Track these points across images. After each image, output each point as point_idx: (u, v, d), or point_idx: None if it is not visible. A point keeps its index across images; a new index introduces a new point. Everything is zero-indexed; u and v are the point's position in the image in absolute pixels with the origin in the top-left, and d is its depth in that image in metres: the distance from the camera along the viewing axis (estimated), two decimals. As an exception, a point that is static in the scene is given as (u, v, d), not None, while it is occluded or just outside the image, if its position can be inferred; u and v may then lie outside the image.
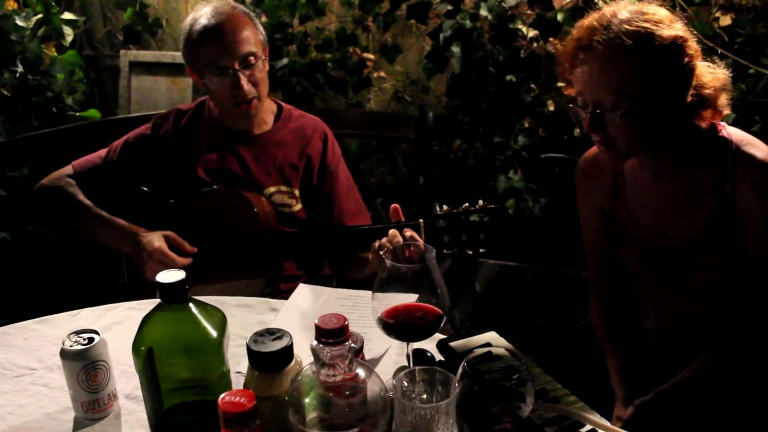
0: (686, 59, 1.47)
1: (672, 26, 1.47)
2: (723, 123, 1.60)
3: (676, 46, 1.46)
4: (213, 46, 1.94)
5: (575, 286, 1.90)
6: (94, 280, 2.16)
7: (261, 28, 2.04)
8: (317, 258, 2.15)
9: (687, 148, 1.58)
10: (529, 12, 2.93)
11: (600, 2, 2.69)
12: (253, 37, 1.97)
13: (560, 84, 1.69)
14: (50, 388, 1.41)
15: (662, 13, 1.49)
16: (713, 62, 1.58)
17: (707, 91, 1.53)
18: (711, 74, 1.54)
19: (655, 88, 1.46)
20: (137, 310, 1.66)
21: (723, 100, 1.56)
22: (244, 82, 1.95)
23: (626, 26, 1.44)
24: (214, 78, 1.96)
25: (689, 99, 1.51)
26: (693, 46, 1.49)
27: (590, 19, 1.52)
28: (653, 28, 1.44)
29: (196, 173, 2.06)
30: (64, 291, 2.21)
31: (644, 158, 1.64)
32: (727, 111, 1.58)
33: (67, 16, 3.13)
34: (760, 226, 1.53)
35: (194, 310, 1.13)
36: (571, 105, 1.59)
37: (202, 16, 1.97)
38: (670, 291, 1.70)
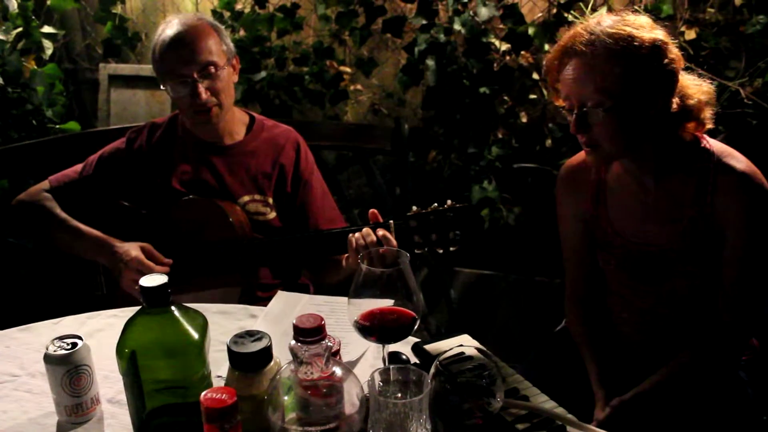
0: (666, 61, 1.53)
1: (653, 31, 1.53)
2: (705, 135, 1.64)
3: (657, 47, 1.52)
4: (173, 55, 1.98)
5: (549, 293, 1.94)
6: (73, 292, 2.17)
7: (228, 40, 2.07)
8: (293, 263, 2.17)
9: (670, 159, 1.63)
10: (501, 26, 2.99)
11: (570, 17, 2.77)
12: (214, 47, 2.00)
13: (549, 96, 1.74)
14: (33, 393, 1.44)
15: (643, 19, 1.56)
16: (698, 74, 1.63)
17: (692, 102, 1.58)
18: (696, 86, 1.60)
19: (637, 88, 1.52)
20: (119, 317, 1.68)
21: (707, 113, 1.61)
22: (202, 90, 1.97)
23: (609, 29, 1.52)
24: (175, 86, 2.00)
25: (674, 108, 1.57)
26: (674, 50, 1.55)
27: (575, 28, 1.59)
28: (634, 31, 1.51)
29: (170, 185, 2.09)
30: (45, 302, 2.22)
31: (629, 166, 1.69)
32: (710, 125, 1.62)
33: (47, 29, 3.14)
34: (739, 235, 1.58)
35: (176, 313, 1.17)
36: (562, 109, 1.64)
37: (168, 27, 2.01)
38: (645, 296, 1.74)
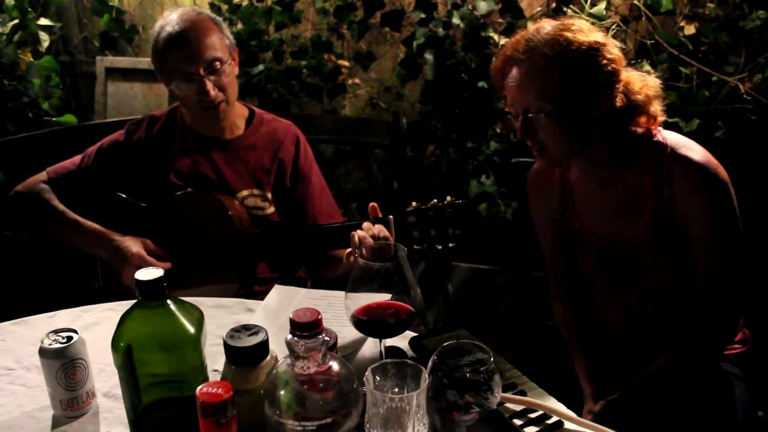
0: (604, 62, 1.55)
1: (590, 34, 1.56)
2: (659, 128, 1.66)
3: (593, 50, 1.54)
4: (178, 53, 1.97)
5: (546, 288, 1.95)
6: (69, 285, 2.16)
7: (228, 32, 2.06)
8: (291, 258, 2.17)
9: (624, 154, 1.65)
10: (500, 20, 2.99)
11: (569, 11, 2.76)
12: (218, 42, 1.99)
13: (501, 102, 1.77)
14: (28, 387, 1.43)
15: (582, 24, 1.59)
16: (647, 72, 1.67)
17: (638, 97, 1.61)
18: (641, 82, 1.63)
19: (577, 91, 1.55)
20: (115, 311, 1.68)
21: (656, 106, 1.64)
22: (210, 87, 1.97)
23: (546, 36, 1.55)
24: (181, 84, 1.99)
25: (620, 104, 1.59)
26: (613, 51, 1.58)
27: (517, 36, 1.62)
28: (570, 35, 1.54)
29: (169, 178, 2.08)
30: (40, 295, 2.21)
31: (583, 165, 1.71)
32: (662, 117, 1.65)
33: (43, 21, 3.14)
34: (702, 226, 1.59)
35: (172, 307, 1.16)
36: (509, 116, 1.67)
37: (168, 23, 2.00)
38: (627, 292, 1.76)
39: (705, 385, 1.68)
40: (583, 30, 1.56)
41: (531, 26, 1.62)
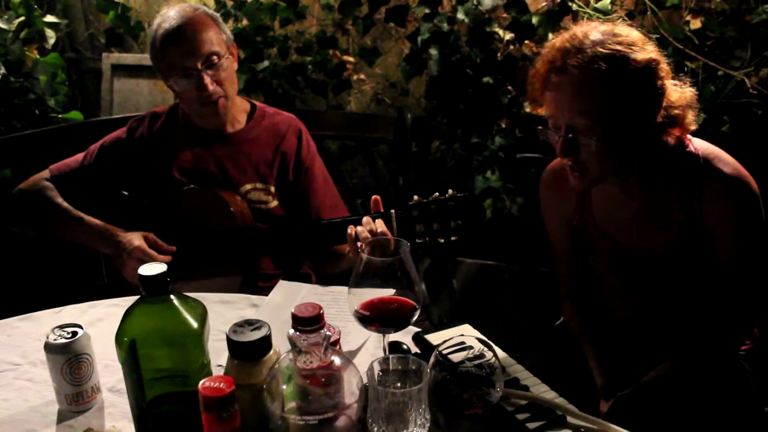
0: (659, 82, 1.47)
1: (645, 49, 1.46)
2: (690, 137, 1.60)
3: (650, 69, 1.45)
4: (175, 49, 1.97)
5: (551, 284, 1.94)
6: (74, 282, 2.17)
7: (225, 28, 2.06)
8: (294, 253, 2.17)
9: (655, 166, 1.59)
10: (505, 15, 2.98)
11: (574, 6, 2.76)
12: (215, 37, 1.99)
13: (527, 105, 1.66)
14: (34, 382, 1.44)
15: (634, 35, 1.48)
16: (680, 79, 1.57)
17: (676, 111, 1.52)
18: (679, 93, 1.53)
19: (629, 111, 1.46)
20: (119, 306, 1.68)
21: (690, 117, 1.55)
22: (208, 81, 1.97)
23: (600, 49, 1.43)
24: (180, 80, 1.99)
25: (659, 119, 1.51)
26: (664, 68, 1.49)
27: (561, 40, 1.50)
28: (627, 51, 1.44)
29: (172, 174, 2.08)
30: (46, 291, 2.22)
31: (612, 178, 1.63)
32: (693, 127, 1.57)
33: (50, 18, 3.14)
34: (731, 239, 1.55)
35: (176, 302, 1.17)
36: (540, 127, 1.57)
37: (165, 20, 2.00)
38: (640, 295, 1.73)
39: (720, 382, 1.66)
40: (637, 44, 1.45)
41: (577, 30, 1.49)
